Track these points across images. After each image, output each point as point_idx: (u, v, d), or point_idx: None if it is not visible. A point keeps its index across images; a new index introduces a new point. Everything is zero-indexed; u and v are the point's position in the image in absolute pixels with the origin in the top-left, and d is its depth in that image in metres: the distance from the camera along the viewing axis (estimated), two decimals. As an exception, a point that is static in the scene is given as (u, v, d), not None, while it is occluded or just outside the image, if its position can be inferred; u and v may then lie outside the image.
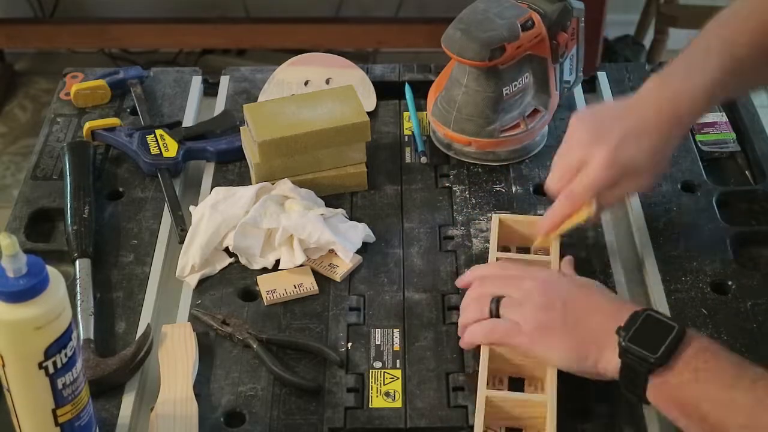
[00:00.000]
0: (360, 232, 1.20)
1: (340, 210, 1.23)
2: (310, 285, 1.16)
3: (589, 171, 1.11)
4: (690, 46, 1.16)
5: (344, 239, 1.18)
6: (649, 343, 0.95)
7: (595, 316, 1.01)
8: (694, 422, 0.94)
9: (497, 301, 1.05)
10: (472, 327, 1.06)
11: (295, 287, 1.15)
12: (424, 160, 1.34)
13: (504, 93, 1.28)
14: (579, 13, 1.33)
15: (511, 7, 1.28)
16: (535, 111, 1.33)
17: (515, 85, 1.29)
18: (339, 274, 1.17)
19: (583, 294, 1.04)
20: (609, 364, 0.98)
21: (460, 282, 1.14)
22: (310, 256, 1.18)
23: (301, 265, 1.17)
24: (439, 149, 1.35)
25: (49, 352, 0.88)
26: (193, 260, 1.17)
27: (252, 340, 1.09)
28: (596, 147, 1.11)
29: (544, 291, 1.04)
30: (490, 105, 1.29)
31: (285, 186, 1.24)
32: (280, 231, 1.18)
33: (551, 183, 1.16)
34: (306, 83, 1.45)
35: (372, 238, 1.21)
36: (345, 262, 1.17)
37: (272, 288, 1.15)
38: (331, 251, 1.19)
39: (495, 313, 1.05)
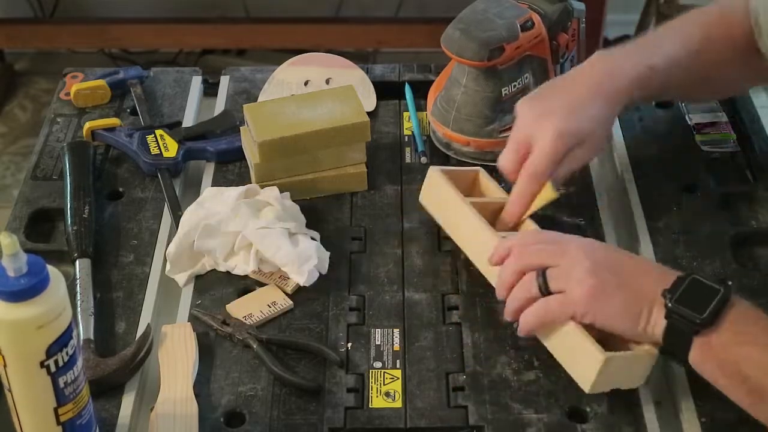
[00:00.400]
0: (311, 260, 1.16)
1: (311, 232, 1.21)
2: (282, 300, 1.14)
3: (542, 144, 1.13)
4: (645, 34, 1.23)
5: (299, 258, 1.15)
6: (695, 305, 0.97)
7: (644, 277, 1.01)
8: (735, 383, 0.96)
9: (543, 275, 1.03)
10: (525, 315, 1.04)
11: (269, 306, 1.14)
12: (424, 160, 1.34)
13: (503, 93, 1.28)
14: (579, 14, 1.33)
15: (511, 8, 1.28)
16: None
17: (514, 86, 1.29)
18: (290, 286, 1.16)
19: (627, 256, 1.06)
20: (656, 325, 0.99)
21: (494, 258, 1.09)
22: (262, 269, 1.17)
23: (260, 282, 1.16)
24: (439, 149, 1.35)
25: (51, 350, 0.89)
26: (168, 251, 1.17)
27: (252, 340, 1.09)
28: (544, 121, 1.14)
29: (591, 253, 1.03)
30: (489, 105, 1.29)
31: (271, 193, 1.22)
32: (239, 237, 1.17)
33: (504, 162, 1.17)
34: (306, 83, 1.45)
35: (324, 270, 1.17)
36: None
37: (248, 313, 1.13)
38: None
39: (544, 288, 1.02)
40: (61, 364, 0.90)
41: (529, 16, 1.27)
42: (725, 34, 1.21)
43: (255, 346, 1.09)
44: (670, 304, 0.97)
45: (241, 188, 1.22)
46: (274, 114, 1.27)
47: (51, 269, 0.88)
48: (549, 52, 1.30)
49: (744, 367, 0.95)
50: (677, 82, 1.21)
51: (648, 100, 1.33)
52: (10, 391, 0.91)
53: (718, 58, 1.21)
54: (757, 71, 1.24)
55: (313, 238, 1.20)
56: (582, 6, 1.33)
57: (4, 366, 0.89)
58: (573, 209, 1.25)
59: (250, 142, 1.28)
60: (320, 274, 1.17)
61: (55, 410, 0.92)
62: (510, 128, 1.30)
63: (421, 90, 1.42)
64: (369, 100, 1.42)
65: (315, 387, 1.05)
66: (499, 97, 1.28)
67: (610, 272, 1.01)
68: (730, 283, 1.03)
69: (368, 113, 1.31)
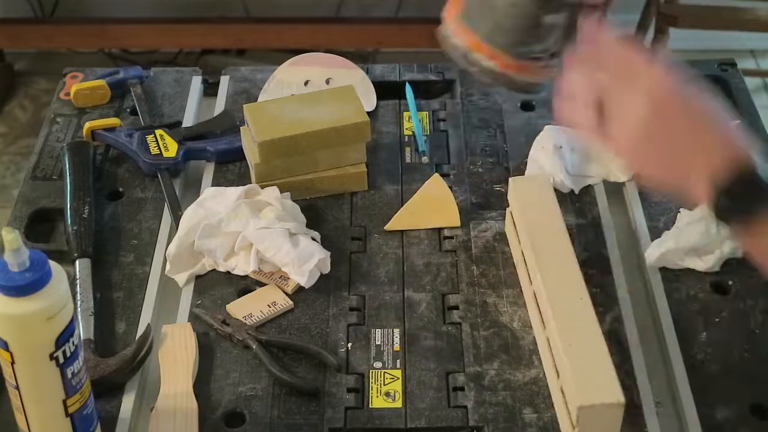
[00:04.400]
0: (312, 260, 1.16)
1: (312, 232, 1.21)
2: (283, 300, 1.15)
3: None
4: None
5: (300, 258, 1.15)
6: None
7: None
8: None
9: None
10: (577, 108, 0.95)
11: (269, 306, 1.14)
12: (424, 160, 1.34)
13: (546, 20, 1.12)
14: None
15: None
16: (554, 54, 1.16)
17: (556, 18, 1.12)
18: (290, 286, 1.16)
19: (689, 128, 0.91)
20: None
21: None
22: (262, 269, 1.17)
23: (260, 282, 1.17)
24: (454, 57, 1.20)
25: (60, 341, 0.90)
26: (168, 251, 1.17)
27: (251, 340, 1.09)
28: None
29: (652, 114, 0.91)
30: (530, 26, 1.14)
31: (271, 194, 1.23)
32: (240, 237, 1.17)
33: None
34: (306, 83, 1.45)
35: (325, 270, 1.18)
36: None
37: (248, 313, 1.13)
38: None
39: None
40: (68, 354, 0.91)
41: None
42: None
43: (254, 347, 1.09)
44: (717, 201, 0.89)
45: (242, 188, 1.22)
46: (274, 114, 1.27)
47: (50, 262, 0.89)
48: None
49: None
50: None
51: None
52: (17, 388, 0.92)
53: None
54: None
55: (313, 238, 1.20)
56: None
57: (12, 363, 0.90)
58: (573, 210, 1.26)
59: (250, 142, 1.28)
60: (321, 273, 1.17)
61: (64, 402, 0.93)
62: (534, 58, 1.16)
63: (421, 90, 1.42)
64: (369, 100, 1.42)
65: (312, 389, 1.05)
66: (541, 20, 1.12)
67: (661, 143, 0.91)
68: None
69: (368, 113, 1.31)
